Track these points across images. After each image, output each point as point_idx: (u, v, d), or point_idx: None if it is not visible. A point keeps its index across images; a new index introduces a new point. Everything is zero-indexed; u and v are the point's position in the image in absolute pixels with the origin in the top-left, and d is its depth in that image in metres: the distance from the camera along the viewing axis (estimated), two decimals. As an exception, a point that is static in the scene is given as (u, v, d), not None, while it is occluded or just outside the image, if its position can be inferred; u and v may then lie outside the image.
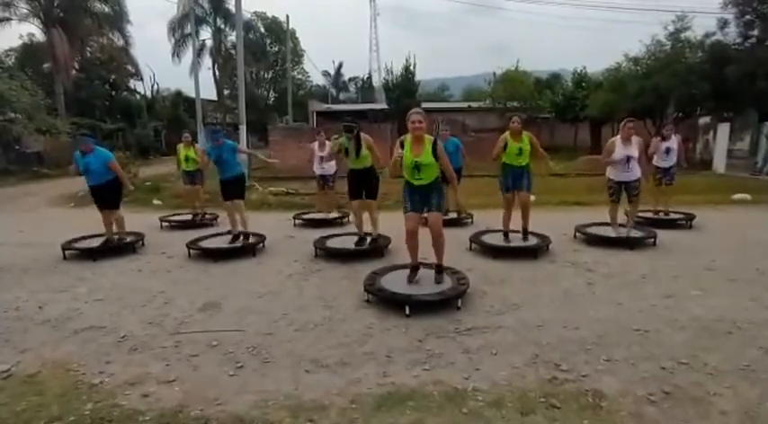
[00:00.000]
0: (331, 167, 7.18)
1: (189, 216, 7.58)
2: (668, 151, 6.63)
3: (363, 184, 5.21)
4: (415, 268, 4.02)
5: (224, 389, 2.53)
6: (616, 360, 2.76)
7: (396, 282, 3.94)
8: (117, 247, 5.58)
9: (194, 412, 2.32)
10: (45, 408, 2.38)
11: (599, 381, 2.53)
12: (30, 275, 4.78)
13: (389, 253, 5.27)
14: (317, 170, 7.28)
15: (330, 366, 2.77)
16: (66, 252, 5.41)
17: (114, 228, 5.66)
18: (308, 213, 7.73)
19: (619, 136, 5.43)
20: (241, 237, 5.70)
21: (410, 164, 3.75)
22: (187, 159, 7.38)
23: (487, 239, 5.48)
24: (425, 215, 3.88)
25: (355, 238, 5.45)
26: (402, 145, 3.79)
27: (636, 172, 5.41)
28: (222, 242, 5.64)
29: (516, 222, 5.45)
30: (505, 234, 5.47)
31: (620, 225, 5.72)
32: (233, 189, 5.64)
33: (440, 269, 3.98)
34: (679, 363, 2.70)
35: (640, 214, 6.66)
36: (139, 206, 9.58)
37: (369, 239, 5.40)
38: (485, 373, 2.65)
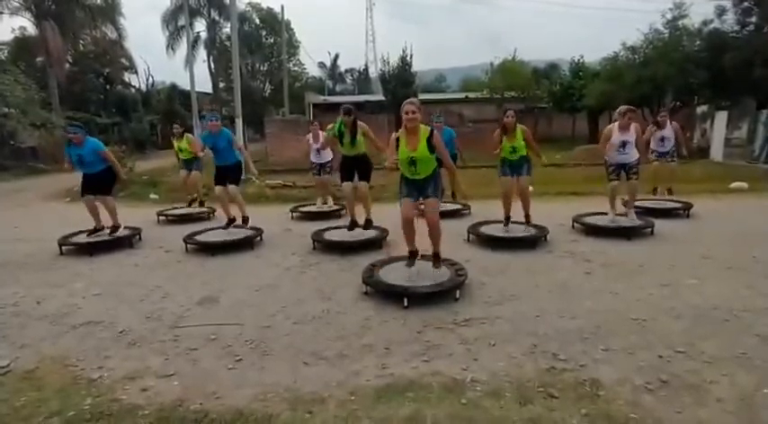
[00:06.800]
0: (327, 155, 7.24)
1: (186, 209, 7.56)
2: (663, 140, 6.57)
3: (356, 167, 5.28)
4: (412, 253, 3.93)
5: (223, 382, 2.54)
6: (613, 349, 2.77)
7: (394, 274, 3.93)
8: (114, 241, 5.57)
9: (193, 406, 2.32)
10: (44, 403, 2.39)
11: (597, 370, 2.55)
12: (26, 270, 4.76)
13: (387, 245, 5.27)
14: (314, 158, 7.29)
15: (329, 358, 2.78)
16: (63, 248, 5.39)
17: (104, 216, 5.60)
18: (305, 206, 7.72)
19: (616, 124, 5.39)
20: (236, 220, 5.69)
21: (405, 159, 3.62)
22: (181, 150, 7.50)
23: (485, 230, 5.48)
24: (421, 202, 3.77)
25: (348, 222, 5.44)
26: (397, 144, 3.65)
27: (633, 155, 5.40)
28: (219, 235, 5.62)
29: (517, 212, 5.43)
30: (506, 220, 5.41)
31: (619, 215, 5.71)
32: (227, 174, 5.58)
33: (437, 258, 3.92)
34: (676, 351, 2.72)
35: (639, 202, 6.64)
36: (136, 200, 9.55)
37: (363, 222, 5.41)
38: (483, 363, 2.66)
